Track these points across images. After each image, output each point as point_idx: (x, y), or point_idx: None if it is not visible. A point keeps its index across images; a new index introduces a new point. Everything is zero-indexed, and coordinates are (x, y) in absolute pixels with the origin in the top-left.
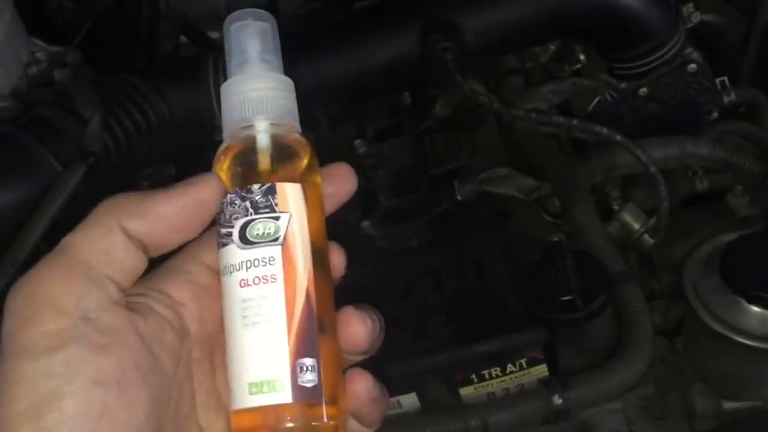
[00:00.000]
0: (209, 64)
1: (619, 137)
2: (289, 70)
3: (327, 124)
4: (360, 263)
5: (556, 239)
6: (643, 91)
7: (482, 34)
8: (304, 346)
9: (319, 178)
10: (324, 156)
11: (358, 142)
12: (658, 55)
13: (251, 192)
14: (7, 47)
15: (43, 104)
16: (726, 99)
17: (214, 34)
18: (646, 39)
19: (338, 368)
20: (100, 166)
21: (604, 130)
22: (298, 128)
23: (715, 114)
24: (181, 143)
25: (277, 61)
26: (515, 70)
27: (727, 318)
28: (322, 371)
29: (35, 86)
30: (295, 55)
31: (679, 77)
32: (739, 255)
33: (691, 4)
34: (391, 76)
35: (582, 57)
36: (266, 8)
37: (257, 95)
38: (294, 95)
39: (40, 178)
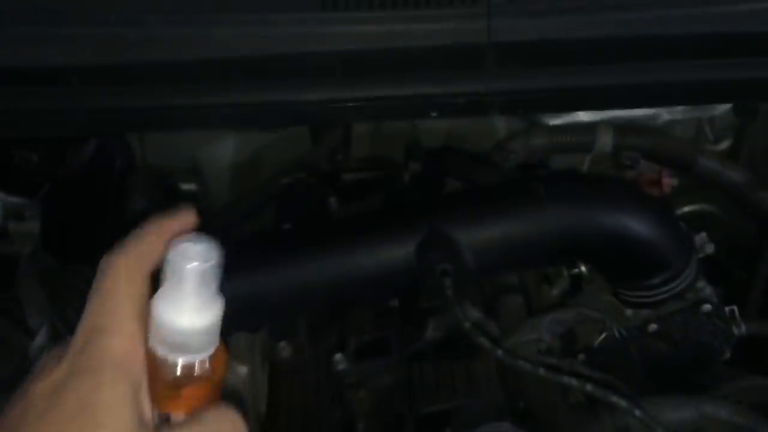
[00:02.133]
0: None
1: (638, 412)
2: (268, 270)
3: (306, 333)
4: None
5: None
6: (653, 327)
7: (482, 253)
8: None
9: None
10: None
11: (338, 356)
12: (669, 287)
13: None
14: None
15: None
16: (736, 331)
17: (190, 186)
18: (658, 271)
19: None
20: None
21: (623, 403)
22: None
23: (727, 354)
24: None
25: (205, 294)
26: (514, 288)
27: None
28: None
29: None
30: (276, 254)
31: (693, 317)
32: None
33: (704, 234)
34: (379, 288)
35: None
36: None
37: (179, 340)
38: (219, 317)
39: None
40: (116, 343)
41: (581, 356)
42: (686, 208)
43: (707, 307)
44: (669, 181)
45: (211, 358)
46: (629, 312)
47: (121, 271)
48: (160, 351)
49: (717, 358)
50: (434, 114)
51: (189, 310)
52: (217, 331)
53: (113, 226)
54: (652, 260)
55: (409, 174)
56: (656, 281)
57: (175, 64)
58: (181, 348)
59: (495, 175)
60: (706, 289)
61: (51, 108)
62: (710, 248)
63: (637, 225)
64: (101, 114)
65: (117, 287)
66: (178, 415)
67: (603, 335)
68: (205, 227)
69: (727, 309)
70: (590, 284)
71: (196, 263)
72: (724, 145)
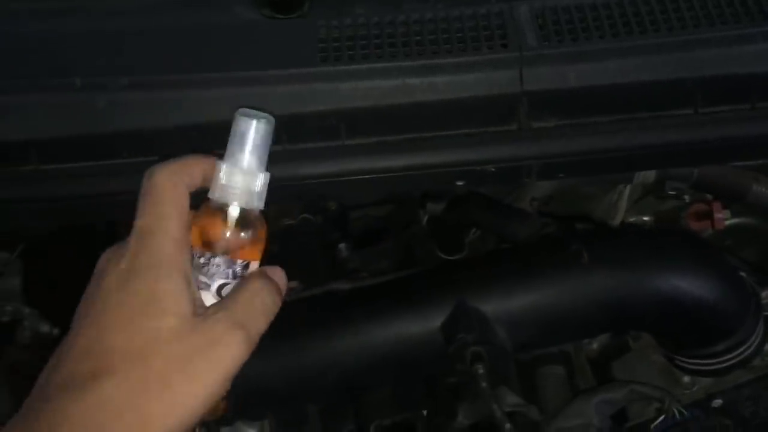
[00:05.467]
0: None
1: None
2: (270, 351)
3: (318, 422)
4: None
5: None
6: (717, 402)
7: (518, 328)
8: None
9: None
10: None
11: None
12: (734, 354)
13: (235, 264)
14: None
15: None
16: None
17: None
18: (721, 338)
19: None
20: None
21: None
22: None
23: None
24: None
25: (265, 157)
26: (554, 356)
27: None
28: None
29: None
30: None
31: (763, 391)
32: None
33: None
34: (398, 372)
35: None
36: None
37: (238, 189)
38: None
39: None
40: (166, 244)
41: None
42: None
43: None
44: (722, 216)
45: (258, 218)
46: (686, 379)
47: (165, 180)
48: (220, 199)
49: None
50: (460, 183)
51: (248, 163)
52: (264, 196)
53: None
54: (713, 326)
55: (427, 216)
56: (719, 348)
57: (154, 132)
58: (238, 197)
59: (527, 227)
60: None
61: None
62: None
63: (695, 288)
64: (66, 201)
65: (162, 194)
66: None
67: (661, 417)
68: None
69: None
70: (638, 340)
71: (258, 121)
72: None
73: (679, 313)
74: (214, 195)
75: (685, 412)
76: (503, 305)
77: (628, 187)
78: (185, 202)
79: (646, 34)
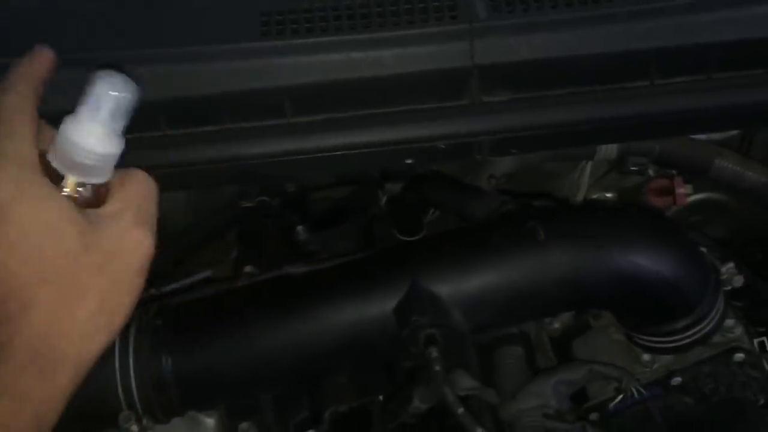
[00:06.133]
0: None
1: None
2: (220, 338)
3: (272, 410)
4: None
5: None
6: (677, 380)
7: (474, 310)
8: None
9: None
10: None
11: None
12: (693, 331)
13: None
14: None
15: None
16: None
17: None
18: (680, 314)
19: None
20: None
21: None
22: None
23: (761, 401)
24: None
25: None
26: (513, 336)
27: None
28: None
29: None
30: (229, 320)
31: (723, 367)
32: None
33: (731, 265)
34: (352, 357)
35: None
36: None
37: (80, 160)
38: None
39: None
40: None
41: (594, 416)
42: (691, 198)
43: (739, 356)
44: (684, 191)
45: (101, 187)
46: (646, 357)
47: (13, 105)
48: (59, 169)
49: (750, 412)
50: (409, 161)
51: (99, 134)
52: (113, 165)
53: None
54: (672, 303)
55: (386, 196)
56: (679, 326)
57: None
58: (79, 169)
59: (485, 205)
60: (735, 329)
61: None
62: (739, 281)
63: (653, 264)
64: None
65: (12, 118)
66: None
67: (620, 397)
68: (162, 254)
69: (756, 342)
70: (598, 319)
71: (117, 93)
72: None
73: (637, 290)
74: (54, 160)
75: (644, 392)
76: (458, 286)
77: (590, 164)
78: (34, 122)
79: (599, 4)
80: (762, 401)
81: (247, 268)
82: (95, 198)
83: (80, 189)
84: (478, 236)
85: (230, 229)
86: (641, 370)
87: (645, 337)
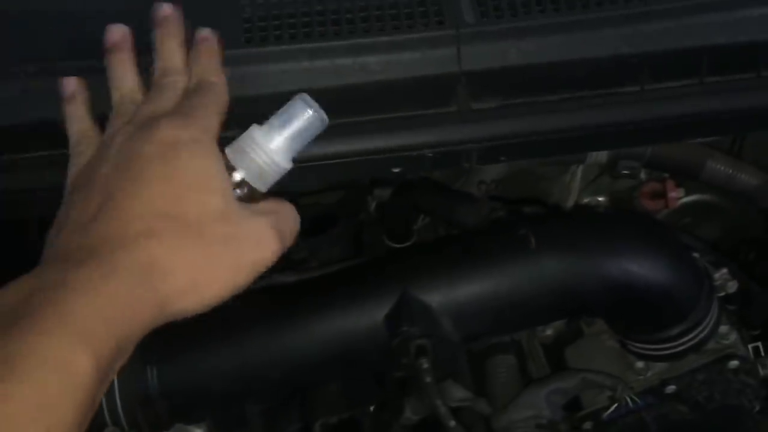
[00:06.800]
0: None
1: None
2: (206, 349)
3: (262, 422)
4: None
5: None
6: (671, 389)
7: (465, 319)
8: None
9: None
10: None
11: None
12: (687, 338)
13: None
14: None
15: None
16: (762, 372)
17: None
18: (674, 322)
19: None
20: None
21: None
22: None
23: (757, 407)
24: None
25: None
26: (505, 345)
27: None
28: None
29: None
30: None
31: (717, 375)
32: None
33: (725, 270)
34: (341, 368)
35: None
36: None
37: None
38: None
39: None
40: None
41: (588, 425)
42: (683, 200)
43: (734, 363)
44: (676, 194)
45: (257, 194)
46: (640, 364)
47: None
48: (232, 161)
49: (746, 420)
50: (396, 170)
51: (281, 145)
52: (276, 179)
53: None
54: (666, 310)
55: (375, 202)
56: (673, 333)
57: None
58: (251, 169)
59: (475, 212)
60: (730, 335)
61: None
62: (733, 287)
63: (646, 270)
64: None
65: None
66: None
67: (614, 406)
68: None
69: (751, 347)
70: (591, 325)
71: (310, 116)
72: None
73: (630, 297)
74: (229, 151)
75: (638, 400)
76: (449, 294)
77: (581, 168)
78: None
79: (589, 8)
80: (757, 408)
81: None
82: (248, 201)
83: (242, 188)
84: (468, 243)
85: None
86: (635, 377)
87: (638, 344)
